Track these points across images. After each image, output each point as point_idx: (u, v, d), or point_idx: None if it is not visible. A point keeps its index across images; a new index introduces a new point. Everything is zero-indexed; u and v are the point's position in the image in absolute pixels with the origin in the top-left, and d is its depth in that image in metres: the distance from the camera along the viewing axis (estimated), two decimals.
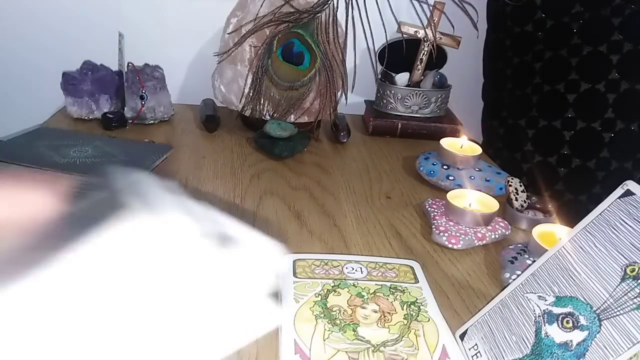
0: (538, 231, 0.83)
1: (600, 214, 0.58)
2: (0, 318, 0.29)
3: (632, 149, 1.18)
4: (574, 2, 1.22)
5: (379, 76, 1.43)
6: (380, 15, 1.35)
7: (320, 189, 1.07)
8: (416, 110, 1.40)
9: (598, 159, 1.21)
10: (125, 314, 0.31)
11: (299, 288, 0.69)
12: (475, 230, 0.91)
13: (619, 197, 0.57)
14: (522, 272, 0.64)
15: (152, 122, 1.31)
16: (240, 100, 1.27)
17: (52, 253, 0.31)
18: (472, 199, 0.96)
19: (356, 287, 0.70)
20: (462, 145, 1.15)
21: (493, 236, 0.91)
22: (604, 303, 0.53)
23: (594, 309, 0.53)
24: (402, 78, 1.42)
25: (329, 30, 1.25)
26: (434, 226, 0.92)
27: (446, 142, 1.14)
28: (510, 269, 0.81)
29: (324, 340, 0.60)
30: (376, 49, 1.38)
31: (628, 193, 0.56)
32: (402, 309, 0.67)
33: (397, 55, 1.40)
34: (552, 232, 0.84)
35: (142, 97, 1.27)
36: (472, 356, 0.62)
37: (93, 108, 1.29)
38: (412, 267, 0.77)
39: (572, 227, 0.61)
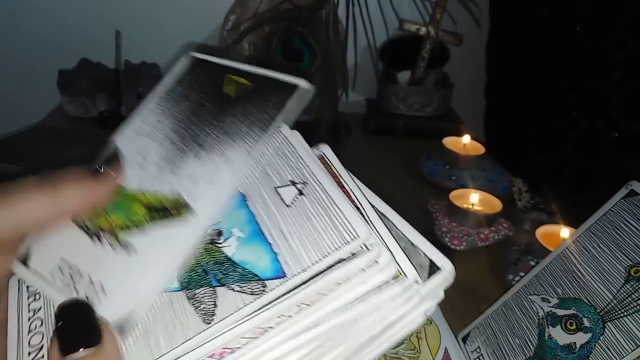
0: (542, 232, 0.83)
1: (604, 215, 0.57)
2: None
3: (637, 149, 1.17)
4: None
5: (380, 74, 1.42)
6: (382, 12, 1.34)
7: None
8: (418, 108, 1.39)
9: (602, 159, 1.20)
10: None
11: None
12: (478, 231, 0.90)
13: (623, 198, 0.56)
14: (526, 274, 0.63)
15: None
16: None
17: None
18: (475, 199, 0.95)
19: None
20: (465, 144, 1.15)
21: (496, 237, 0.90)
22: (607, 305, 0.52)
23: (598, 310, 0.53)
24: (403, 76, 1.41)
25: (329, 27, 1.24)
26: (436, 227, 0.91)
27: (449, 141, 1.13)
28: (514, 270, 0.80)
29: None
30: (377, 47, 1.37)
31: (632, 193, 0.56)
32: None
33: (399, 53, 1.39)
34: (555, 233, 0.83)
35: (139, 96, 1.26)
36: (474, 359, 0.61)
37: (89, 107, 1.28)
38: None
39: (576, 227, 0.60)
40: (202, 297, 0.33)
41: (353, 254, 0.32)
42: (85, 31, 1.41)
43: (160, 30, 1.45)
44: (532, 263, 0.79)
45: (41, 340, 0.33)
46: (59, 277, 0.35)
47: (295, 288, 0.31)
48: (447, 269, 0.35)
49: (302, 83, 0.42)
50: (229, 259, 0.34)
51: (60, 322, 0.30)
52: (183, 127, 0.42)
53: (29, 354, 0.33)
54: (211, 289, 0.33)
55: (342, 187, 0.39)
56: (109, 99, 1.29)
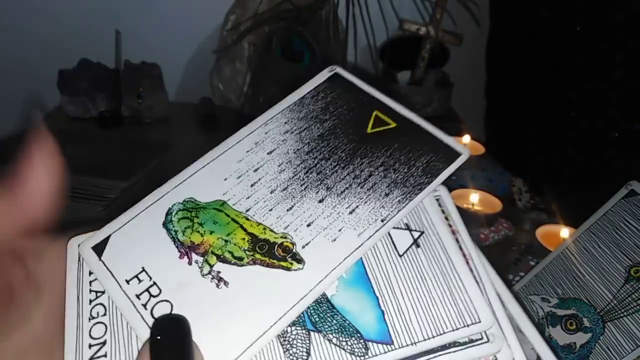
0: (541, 232, 0.83)
1: (604, 215, 0.57)
2: None
3: (637, 148, 1.17)
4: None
5: (380, 74, 1.42)
6: (382, 12, 1.34)
7: None
8: (418, 108, 1.38)
9: (602, 159, 1.20)
10: None
11: None
12: (478, 231, 0.90)
13: (623, 198, 0.56)
14: (526, 274, 0.63)
15: (149, 120, 1.29)
16: (239, 99, 1.26)
17: None
18: (475, 199, 0.95)
19: None
20: (465, 144, 1.14)
21: (496, 237, 0.90)
22: (607, 305, 0.52)
23: (598, 310, 0.52)
24: (403, 76, 1.41)
25: (329, 27, 1.24)
26: None
27: None
28: (514, 270, 0.80)
29: None
30: (377, 47, 1.37)
31: (632, 193, 0.56)
32: None
33: (399, 53, 1.39)
34: (555, 233, 0.83)
35: (139, 96, 1.26)
36: None
37: (89, 106, 1.28)
38: None
39: (576, 227, 0.60)
40: (294, 340, 0.29)
41: (471, 340, 0.29)
42: (85, 31, 1.41)
43: (160, 30, 1.44)
44: (532, 263, 0.79)
45: (104, 334, 0.30)
46: (135, 286, 0.31)
47: None
48: None
49: (466, 152, 0.34)
50: (328, 300, 0.30)
51: (157, 337, 0.27)
52: (311, 156, 0.35)
53: (90, 346, 0.30)
54: (304, 331, 0.29)
55: (459, 246, 0.34)
56: (109, 99, 1.29)
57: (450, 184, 1.06)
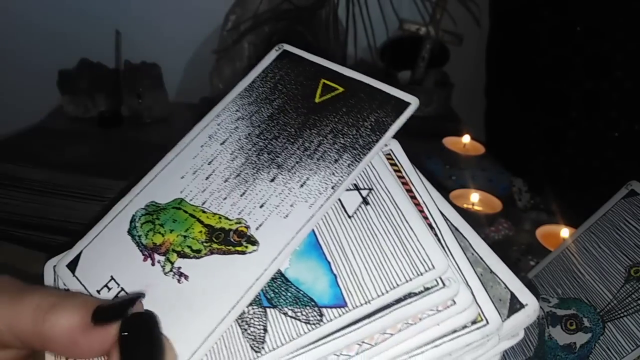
0: (542, 232, 0.83)
1: (604, 215, 0.57)
2: None
3: (637, 149, 1.17)
4: None
5: (380, 74, 1.42)
6: (382, 12, 1.34)
7: None
8: (418, 108, 1.38)
9: (602, 159, 1.20)
10: None
11: None
12: (477, 231, 0.89)
13: (623, 198, 0.56)
14: (526, 274, 0.63)
15: (149, 120, 1.29)
16: None
17: None
18: (475, 199, 0.95)
19: None
20: (465, 144, 1.14)
21: (496, 237, 0.90)
22: (607, 305, 0.52)
23: (598, 310, 0.52)
24: (403, 76, 1.41)
25: (329, 27, 1.24)
26: None
27: (449, 141, 1.13)
28: (514, 270, 0.80)
29: None
30: (377, 47, 1.36)
31: (632, 193, 0.56)
32: None
33: (399, 53, 1.39)
34: (555, 233, 0.83)
35: (139, 96, 1.26)
36: None
37: (89, 107, 1.27)
38: None
39: (576, 227, 0.60)
40: (251, 319, 0.29)
41: (427, 289, 0.28)
42: (85, 31, 1.41)
43: (160, 30, 1.44)
44: (532, 263, 0.79)
45: None
46: (105, 294, 0.32)
47: (357, 322, 0.28)
48: (531, 307, 0.30)
49: (415, 101, 0.34)
50: (282, 275, 0.30)
51: (125, 333, 0.27)
52: (262, 138, 0.35)
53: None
54: (261, 309, 0.29)
55: (412, 196, 0.33)
56: (108, 99, 1.29)
57: (450, 184, 1.06)
